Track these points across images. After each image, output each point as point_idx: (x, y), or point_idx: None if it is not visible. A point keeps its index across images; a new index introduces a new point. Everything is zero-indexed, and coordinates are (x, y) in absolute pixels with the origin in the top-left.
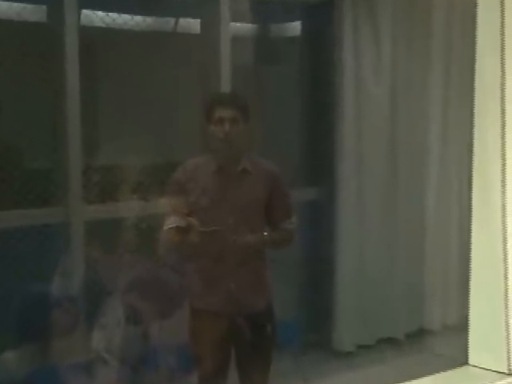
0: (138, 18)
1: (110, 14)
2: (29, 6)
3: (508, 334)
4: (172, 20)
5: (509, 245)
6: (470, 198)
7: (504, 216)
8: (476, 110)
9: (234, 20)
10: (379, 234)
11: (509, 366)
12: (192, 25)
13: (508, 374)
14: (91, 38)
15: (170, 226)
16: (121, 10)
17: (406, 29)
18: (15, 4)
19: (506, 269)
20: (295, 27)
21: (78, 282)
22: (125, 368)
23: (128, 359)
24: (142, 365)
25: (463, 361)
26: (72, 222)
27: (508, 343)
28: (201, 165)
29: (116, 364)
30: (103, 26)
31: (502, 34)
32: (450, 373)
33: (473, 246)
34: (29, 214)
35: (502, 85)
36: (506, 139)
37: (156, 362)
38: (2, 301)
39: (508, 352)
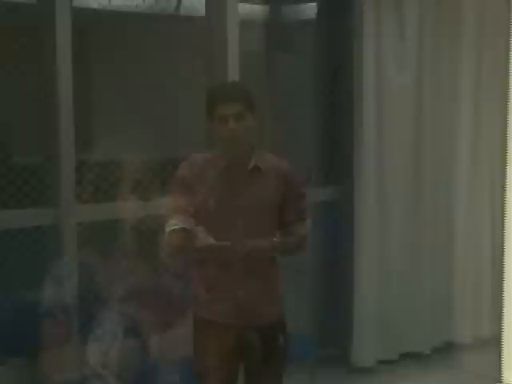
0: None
1: None
2: None
3: None
4: (174, 1)
5: None
6: (503, 202)
7: None
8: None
9: (243, 0)
10: (403, 239)
11: None
12: (196, 6)
13: None
14: (85, 21)
15: (173, 227)
16: None
17: (433, 13)
18: None
19: None
20: (310, 9)
21: (70, 291)
22: None
23: (126, 375)
24: (142, 381)
25: (496, 378)
26: (63, 223)
27: None
28: (207, 161)
29: (113, 381)
30: (98, 7)
31: None
32: None
33: (506, 255)
34: (15, 215)
35: None
36: None
37: (156, 378)
38: None
39: None
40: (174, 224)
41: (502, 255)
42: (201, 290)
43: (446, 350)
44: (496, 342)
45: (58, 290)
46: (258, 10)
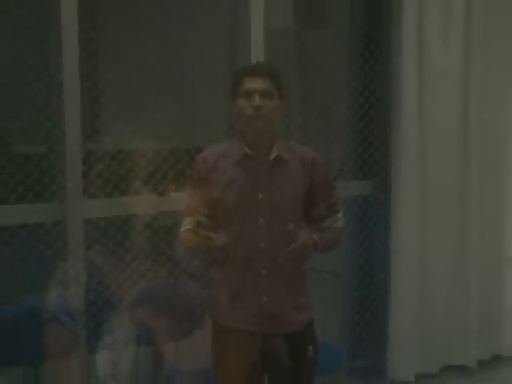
0: None
1: None
2: None
3: None
4: None
5: None
6: None
7: None
8: None
9: None
10: (447, 239)
11: None
12: None
13: None
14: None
15: (186, 227)
16: None
17: None
18: None
19: None
20: None
21: (77, 294)
22: None
23: None
24: None
25: None
26: (69, 220)
27: None
28: (225, 152)
29: None
30: None
31: None
32: None
33: None
34: (19, 210)
35: None
36: None
37: None
38: None
39: None
40: (187, 224)
41: None
42: (222, 294)
43: (494, 362)
44: None
45: (64, 293)
46: None
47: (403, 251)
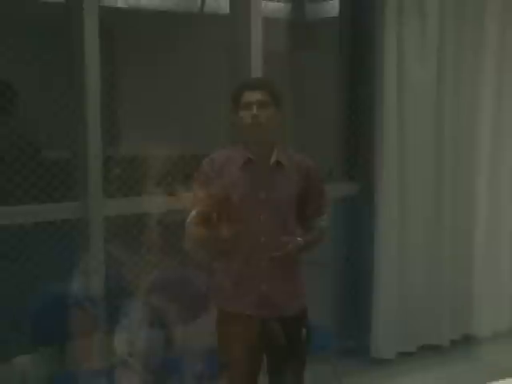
0: None
1: None
2: None
3: None
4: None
5: None
6: None
7: None
8: None
9: None
10: (424, 230)
11: None
12: (221, 4)
13: None
14: (112, 19)
15: (191, 216)
16: None
17: (456, 11)
18: None
19: None
20: (333, 7)
21: (97, 282)
22: (148, 373)
23: (151, 363)
24: (166, 370)
25: None
26: (91, 217)
27: None
28: (230, 156)
29: (139, 368)
30: (125, 6)
31: None
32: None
33: None
34: (45, 209)
35: None
36: None
37: (181, 367)
38: (19, 301)
39: None
40: (193, 216)
41: None
42: (226, 283)
43: (466, 342)
44: None
45: (87, 281)
46: (281, 8)
47: (385, 244)
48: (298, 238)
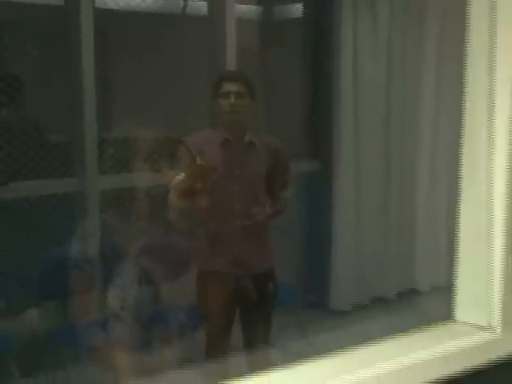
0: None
1: None
2: None
3: (487, 294)
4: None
5: (494, 212)
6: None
7: (490, 184)
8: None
9: (240, 2)
10: (375, 201)
11: (488, 320)
12: (201, 7)
13: (487, 328)
14: (105, 19)
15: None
16: None
17: (404, 14)
18: None
19: (489, 235)
20: (297, 9)
21: (94, 246)
22: (137, 324)
23: (141, 316)
24: (153, 322)
25: (449, 317)
26: (88, 191)
27: (488, 301)
28: (209, 137)
29: (129, 321)
30: (116, 8)
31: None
32: (435, 327)
33: (461, 215)
34: (49, 183)
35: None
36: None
37: (166, 319)
38: (26, 263)
39: (488, 308)
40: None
41: (457, 218)
42: (205, 246)
43: (409, 295)
44: (449, 288)
45: (84, 246)
46: (253, 11)
47: (342, 211)
48: (268, 210)
